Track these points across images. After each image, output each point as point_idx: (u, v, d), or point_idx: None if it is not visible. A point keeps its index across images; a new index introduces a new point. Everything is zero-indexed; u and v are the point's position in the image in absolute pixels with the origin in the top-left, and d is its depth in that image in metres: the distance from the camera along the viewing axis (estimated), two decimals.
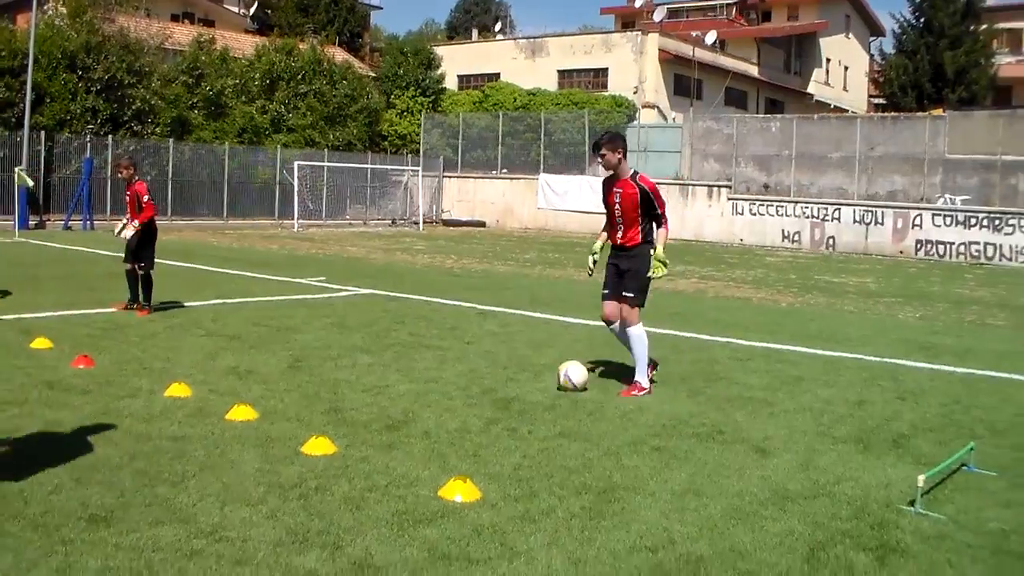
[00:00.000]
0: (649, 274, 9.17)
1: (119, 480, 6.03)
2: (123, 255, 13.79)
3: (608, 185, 9.38)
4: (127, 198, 13.74)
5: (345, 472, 6.35)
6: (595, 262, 9.71)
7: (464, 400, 8.66)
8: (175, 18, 59.75)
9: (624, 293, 9.31)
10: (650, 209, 9.17)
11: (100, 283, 16.78)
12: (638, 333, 9.28)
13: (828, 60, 70.08)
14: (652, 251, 9.18)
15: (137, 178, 13.68)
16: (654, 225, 9.28)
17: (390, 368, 10.00)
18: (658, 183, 36.71)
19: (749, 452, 7.26)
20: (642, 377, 9.28)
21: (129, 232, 13.48)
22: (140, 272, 13.41)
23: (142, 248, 13.50)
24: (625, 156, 9.27)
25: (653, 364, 9.66)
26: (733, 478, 6.57)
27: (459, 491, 5.90)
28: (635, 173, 9.24)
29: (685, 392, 9.37)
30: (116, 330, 11.89)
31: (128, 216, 13.68)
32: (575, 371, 9.30)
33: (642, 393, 9.15)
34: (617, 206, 9.26)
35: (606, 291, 9.52)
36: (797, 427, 8.11)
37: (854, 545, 5.40)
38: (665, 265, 9.22)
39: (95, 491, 5.80)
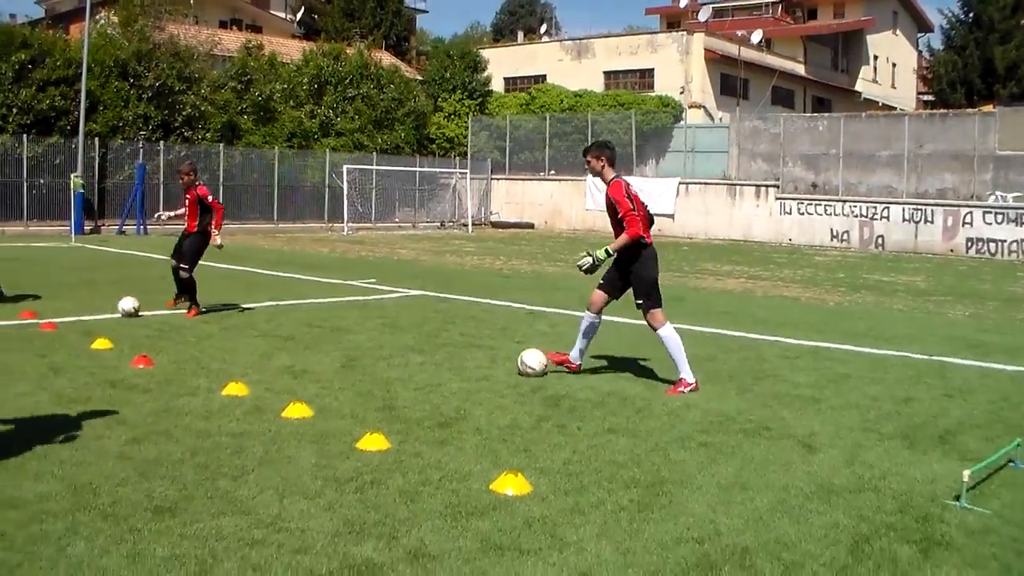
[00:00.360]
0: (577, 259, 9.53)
1: (182, 474, 6.26)
2: (173, 252, 14.24)
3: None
4: (186, 202, 13.97)
5: (399, 467, 6.53)
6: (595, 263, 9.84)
7: (514, 398, 8.83)
8: (223, 25, 60.42)
9: (637, 302, 9.50)
10: (616, 215, 9.48)
11: (155, 286, 17.05)
12: (666, 334, 9.41)
13: (875, 57, 69.65)
14: (608, 249, 9.42)
15: (198, 182, 13.93)
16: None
17: (442, 367, 10.19)
18: (705, 183, 36.55)
19: (795, 447, 7.37)
20: (686, 373, 9.39)
21: (219, 240, 13.85)
22: (183, 275, 13.70)
23: (191, 251, 13.81)
24: (610, 164, 9.67)
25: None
26: (779, 472, 6.68)
27: (510, 485, 6.07)
28: (612, 179, 9.58)
29: (733, 389, 9.49)
30: (173, 331, 12.17)
31: (185, 215, 14.07)
32: (530, 357, 9.82)
33: (688, 389, 9.28)
34: (607, 211, 9.74)
35: (601, 281, 9.89)
36: (843, 423, 8.21)
37: (898, 538, 5.49)
38: (596, 260, 9.43)
39: (159, 484, 6.03)
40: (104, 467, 6.35)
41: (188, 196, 13.92)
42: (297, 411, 7.91)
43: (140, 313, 13.11)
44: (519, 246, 31.74)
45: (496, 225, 45.82)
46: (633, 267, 9.46)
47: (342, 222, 39.90)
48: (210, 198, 13.82)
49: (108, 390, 8.68)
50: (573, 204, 45.35)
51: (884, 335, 13.56)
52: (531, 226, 45.32)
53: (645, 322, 9.62)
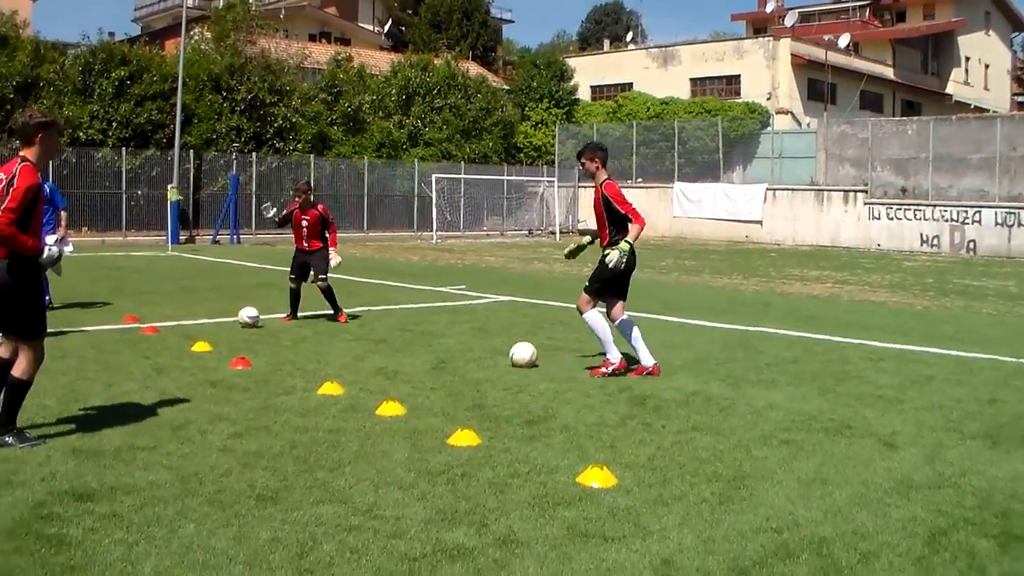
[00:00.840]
0: (608, 259, 9.82)
1: (281, 466, 6.60)
2: (290, 273, 14.21)
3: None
4: (305, 221, 13.92)
5: (489, 461, 6.81)
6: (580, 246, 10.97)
7: (601, 397, 9.06)
8: (312, 38, 61.50)
9: (585, 284, 10.23)
10: (615, 213, 9.91)
11: (250, 293, 17.63)
12: (590, 318, 10.09)
13: (967, 59, 68.64)
14: (629, 240, 9.87)
15: (312, 202, 14.04)
16: (628, 227, 9.94)
17: (530, 369, 10.44)
18: (792, 189, 36.40)
19: (876, 445, 7.50)
20: (611, 354, 10.07)
21: (337, 260, 14.07)
22: (320, 286, 13.90)
23: (319, 264, 13.95)
24: (603, 166, 10.11)
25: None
26: (859, 469, 6.83)
27: (596, 478, 6.30)
28: (603, 180, 9.97)
29: (816, 390, 9.62)
30: (269, 335, 12.60)
31: (306, 236, 14.01)
32: (519, 351, 10.51)
33: (611, 368, 9.98)
34: (593, 211, 10.23)
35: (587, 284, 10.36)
36: (926, 423, 8.30)
37: (976, 532, 5.61)
38: (622, 254, 9.80)
39: (260, 475, 6.38)
40: (208, 459, 6.73)
41: (308, 215, 13.92)
42: (390, 409, 8.23)
43: (238, 318, 13.41)
44: None
45: (583, 233, 45.81)
46: (602, 262, 9.96)
47: (431, 231, 40.38)
48: (331, 216, 14.12)
49: (209, 389, 9.09)
50: (660, 211, 45.35)
51: (971, 338, 13.54)
52: None
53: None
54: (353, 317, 14.35)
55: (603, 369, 10.06)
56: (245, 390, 9.08)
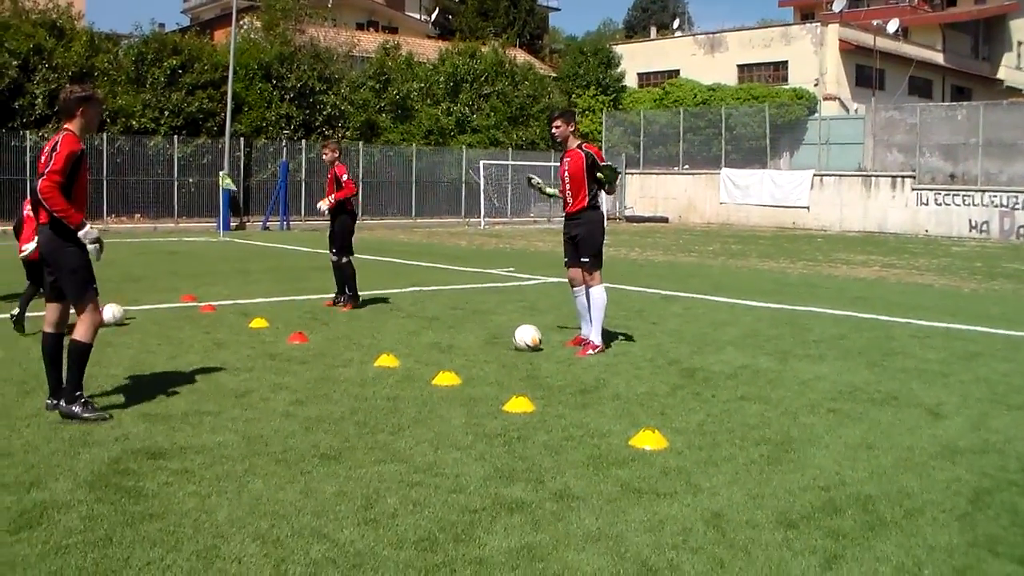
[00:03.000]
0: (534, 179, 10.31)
1: (343, 429, 6.87)
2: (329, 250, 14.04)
3: (561, 159, 10.36)
4: (328, 179, 13.86)
5: (543, 425, 7.03)
6: (537, 186, 11.18)
7: (651, 370, 9.26)
8: (360, 27, 61.79)
9: (581, 259, 10.12)
10: (595, 172, 10.01)
11: (303, 274, 17.96)
12: (598, 294, 10.05)
13: (1020, 43, 67.77)
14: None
15: (339, 161, 13.94)
16: (603, 191, 10.20)
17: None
18: (840, 175, 36.34)
19: (922, 415, 7.65)
20: (596, 337, 10.05)
21: (324, 205, 13.62)
22: (336, 261, 13.65)
23: (340, 235, 13.73)
24: (576, 132, 10.25)
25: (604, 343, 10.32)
26: (905, 435, 6.99)
27: (648, 441, 6.51)
28: (580, 144, 10.13)
29: (863, 364, 9.75)
30: (324, 312, 12.90)
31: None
32: (521, 333, 10.28)
33: (596, 351, 9.92)
34: (566, 175, 10.17)
35: (566, 259, 10.44)
36: (971, 395, 8.43)
37: (1020, 492, 5.77)
38: (540, 189, 10.51)
39: (323, 437, 6.65)
40: (272, 423, 7.00)
41: (329, 174, 13.86)
42: (446, 379, 8.47)
43: (292, 298, 13.59)
44: (654, 238, 31.97)
45: (631, 219, 46.04)
46: (583, 231, 10.08)
47: (478, 217, 40.61)
48: (345, 177, 13.59)
49: (268, 361, 9.37)
50: (707, 198, 45.35)
51: (1019, 318, 13.59)
52: (665, 220, 45.48)
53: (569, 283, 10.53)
54: (383, 301, 14.19)
55: (591, 351, 9.96)
56: (303, 362, 9.35)
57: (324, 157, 14.06)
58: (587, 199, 10.09)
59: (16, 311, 10.60)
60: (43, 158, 6.99)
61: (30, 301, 10.68)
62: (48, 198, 6.81)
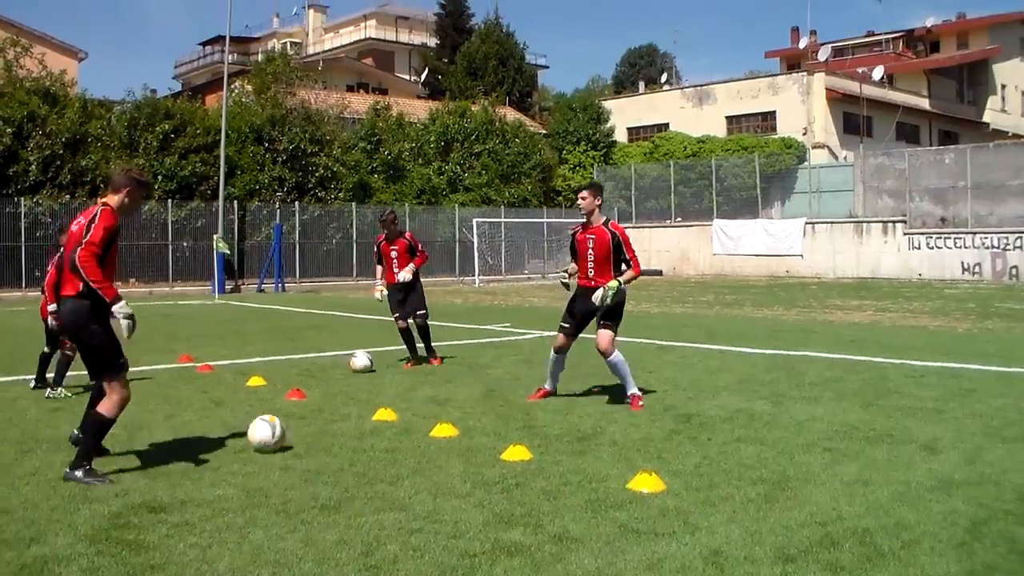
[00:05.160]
0: (595, 296, 9.85)
1: (342, 480, 6.90)
2: (393, 313, 13.90)
3: (581, 230, 10.28)
4: (393, 252, 13.65)
5: (541, 472, 7.07)
6: (566, 284, 10.67)
7: (648, 416, 9.31)
8: (350, 88, 62.36)
9: (605, 321, 10.03)
10: (620, 254, 9.97)
11: (298, 334, 18.06)
12: (618, 359, 10.00)
13: (1003, 86, 68.42)
14: (621, 281, 9.90)
15: (402, 229, 13.91)
16: (624, 271, 10.06)
17: (577, 393, 10.71)
18: (831, 222, 36.59)
19: (917, 450, 7.69)
20: (633, 388, 10.03)
21: (407, 275, 13.49)
22: (418, 321, 13.68)
23: (418, 298, 13.77)
24: (600, 207, 10.19)
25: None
26: (900, 470, 7.03)
27: (646, 483, 6.54)
28: (607, 220, 10.13)
29: (858, 404, 9.81)
30: (319, 371, 12.94)
31: (396, 267, 13.69)
32: (356, 360, 12.47)
33: (642, 400, 9.91)
34: (591, 252, 10.11)
35: (565, 326, 10.42)
36: (966, 430, 8.48)
37: (1016, 521, 5.80)
38: (614, 292, 9.81)
39: (323, 488, 6.68)
40: (271, 476, 7.04)
41: (396, 246, 13.66)
42: (444, 431, 8.50)
43: (289, 356, 13.71)
44: (648, 291, 32.06)
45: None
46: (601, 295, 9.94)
47: (472, 275, 40.71)
48: (420, 245, 13.78)
49: None
50: (701, 249, 45.59)
51: (1013, 356, 13.66)
52: (659, 273, 45.63)
53: (554, 350, 10.54)
54: (447, 358, 14.22)
55: (640, 403, 9.89)
56: (301, 418, 9.39)
57: (385, 231, 13.81)
58: (612, 277, 9.99)
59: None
60: (74, 227, 7.07)
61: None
62: (86, 267, 6.86)
